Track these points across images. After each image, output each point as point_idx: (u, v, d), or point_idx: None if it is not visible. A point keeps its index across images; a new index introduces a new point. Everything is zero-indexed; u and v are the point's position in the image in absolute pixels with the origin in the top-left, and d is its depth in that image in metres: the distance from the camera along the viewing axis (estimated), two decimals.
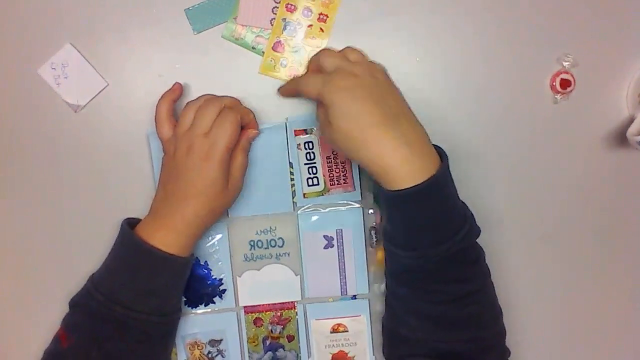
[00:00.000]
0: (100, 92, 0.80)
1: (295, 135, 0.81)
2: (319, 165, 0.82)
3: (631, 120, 0.79)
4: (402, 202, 0.67)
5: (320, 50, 0.74)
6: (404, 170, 0.65)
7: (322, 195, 0.82)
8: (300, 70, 0.80)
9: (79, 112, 0.80)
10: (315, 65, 0.73)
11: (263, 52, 0.80)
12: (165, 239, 0.73)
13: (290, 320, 0.85)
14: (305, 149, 0.81)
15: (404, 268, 0.72)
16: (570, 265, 0.85)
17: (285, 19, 0.79)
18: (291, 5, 0.79)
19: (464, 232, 0.68)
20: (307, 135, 0.81)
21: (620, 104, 0.82)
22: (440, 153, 0.70)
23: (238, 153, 0.76)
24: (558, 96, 0.82)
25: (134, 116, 0.81)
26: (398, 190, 0.65)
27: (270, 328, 0.85)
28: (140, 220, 0.76)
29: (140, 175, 0.81)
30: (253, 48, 0.80)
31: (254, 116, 0.79)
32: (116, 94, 0.81)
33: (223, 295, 0.84)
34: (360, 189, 0.83)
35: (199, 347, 0.84)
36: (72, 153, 0.81)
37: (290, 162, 0.82)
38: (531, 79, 0.82)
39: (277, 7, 0.79)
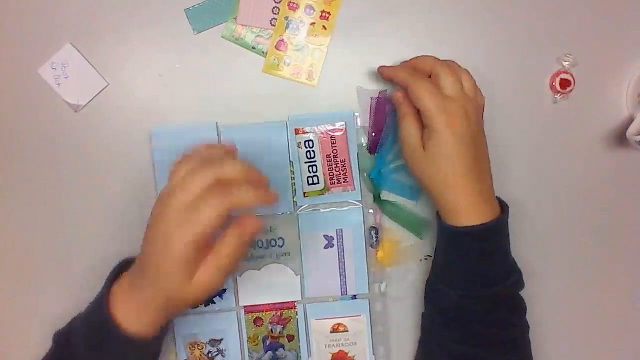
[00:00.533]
0: (100, 92, 0.80)
1: (296, 133, 0.81)
2: (319, 163, 0.82)
3: (631, 120, 0.79)
4: (467, 237, 0.71)
5: (441, 62, 0.73)
6: (471, 212, 0.70)
7: (323, 194, 0.82)
8: (304, 67, 0.80)
9: (79, 112, 0.80)
10: (428, 68, 0.73)
11: (263, 52, 0.80)
12: (129, 312, 0.65)
13: (290, 320, 0.85)
14: (306, 147, 0.81)
15: (451, 307, 0.74)
16: (570, 265, 0.85)
17: (287, 17, 0.79)
18: (293, 3, 0.79)
19: (514, 279, 0.73)
20: (308, 134, 0.81)
21: (620, 104, 0.83)
22: (503, 205, 0.75)
23: (224, 248, 0.61)
24: (558, 96, 0.82)
25: (134, 116, 0.80)
26: (465, 226, 0.70)
27: (270, 328, 0.85)
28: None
29: (141, 176, 0.81)
30: (253, 48, 0.80)
31: (272, 196, 0.62)
32: (116, 94, 0.80)
33: (223, 295, 0.84)
34: (361, 189, 0.83)
35: (199, 347, 0.84)
36: (72, 153, 0.81)
37: (291, 161, 0.82)
38: (531, 79, 0.82)
39: (277, 7, 0.79)
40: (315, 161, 0.82)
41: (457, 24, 0.81)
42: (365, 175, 0.82)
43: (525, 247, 0.84)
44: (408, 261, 0.84)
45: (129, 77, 0.80)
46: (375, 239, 0.83)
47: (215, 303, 0.84)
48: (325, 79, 0.81)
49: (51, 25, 0.79)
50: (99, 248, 0.81)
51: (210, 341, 0.84)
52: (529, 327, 0.76)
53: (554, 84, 0.81)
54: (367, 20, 0.80)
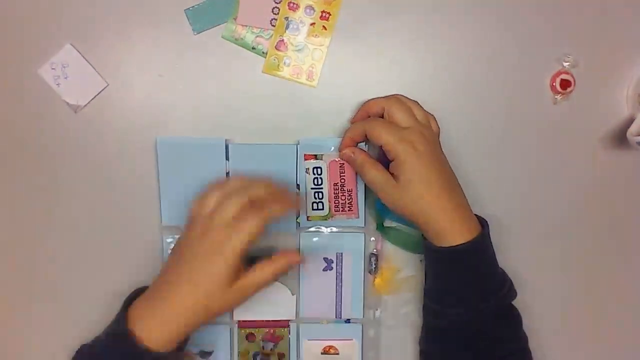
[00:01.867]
0: (100, 92, 0.80)
1: (305, 159, 0.80)
2: (325, 191, 0.81)
3: (631, 120, 0.79)
4: (457, 256, 0.72)
5: (390, 98, 0.76)
6: (456, 231, 0.72)
7: (326, 219, 0.82)
8: (304, 67, 0.80)
9: (79, 112, 0.80)
10: (378, 109, 0.76)
11: (263, 53, 0.80)
12: (150, 326, 0.68)
13: (282, 338, 0.85)
14: (314, 174, 0.81)
15: (450, 326, 0.75)
16: (570, 265, 0.85)
17: (287, 17, 0.79)
18: (293, 3, 0.79)
19: (506, 289, 0.74)
20: (317, 161, 0.81)
21: (620, 104, 0.83)
22: (480, 220, 0.76)
23: (266, 267, 0.71)
24: (558, 96, 0.82)
25: (134, 116, 0.80)
26: (453, 245, 0.72)
27: (262, 344, 0.84)
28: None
29: (141, 176, 0.81)
30: (253, 48, 0.80)
31: (297, 201, 0.79)
32: (116, 94, 0.80)
33: None
34: (365, 216, 0.83)
35: (189, 357, 0.83)
36: (72, 153, 0.80)
37: (297, 184, 0.81)
38: (531, 79, 0.82)
39: (277, 7, 0.79)
40: (321, 188, 0.81)
41: (457, 24, 0.81)
42: (372, 200, 0.82)
43: (525, 247, 0.84)
44: (405, 291, 0.84)
45: (128, 77, 0.80)
46: (374, 266, 0.84)
47: None
48: (325, 79, 0.81)
49: (51, 25, 0.79)
50: (99, 248, 0.81)
51: (200, 352, 0.84)
52: (527, 338, 0.77)
53: (554, 84, 0.81)
54: (367, 20, 0.80)
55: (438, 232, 0.72)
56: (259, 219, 0.68)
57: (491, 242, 0.76)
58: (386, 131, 0.73)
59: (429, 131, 0.75)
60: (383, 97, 0.77)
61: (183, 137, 0.80)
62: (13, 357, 0.83)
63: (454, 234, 0.72)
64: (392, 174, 0.73)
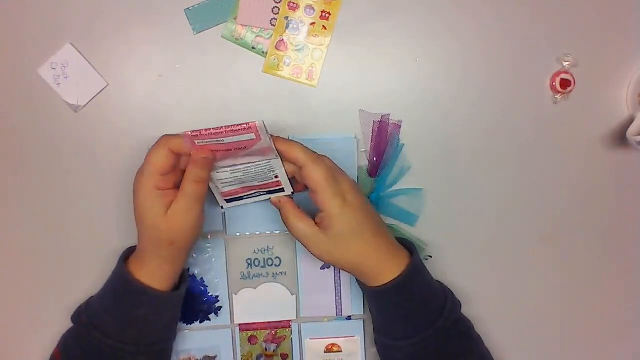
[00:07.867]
0: (100, 92, 0.80)
1: None
2: None
3: (631, 120, 0.79)
4: (394, 291, 0.72)
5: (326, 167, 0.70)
6: (386, 269, 0.72)
7: None
8: (304, 67, 0.80)
9: (79, 112, 0.80)
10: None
11: (263, 52, 0.80)
12: (148, 271, 0.72)
13: (284, 339, 0.85)
14: None
15: (406, 357, 0.74)
16: (570, 265, 0.85)
17: (287, 17, 0.79)
18: (293, 3, 0.79)
19: (449, 305, 0.74)
20: None
21: (620, 104, 0.83)
22: (407, 244, 0.76)
23: (184, 181, 0.70)
24: (558, 96, 0.82)
25: (134, 116, 0.80)
26: (388, 282, 0.71)
27: (264, 346, 0.85)
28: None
29: None
30: (253, 48, 0.80)
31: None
32: (116, 94, 0.80)
33: (219, 312, 0.84)
34: None
35: None
36: (72, 153, 0.80)
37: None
38: (531, 79, 0.82)
39: (277, 7, 0.79)
40: None
41: (456, 24, 0.81)
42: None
43: (525, 247, 0.84)
44: None
45: (128, 77, 0.80)
46: None
47: (210, 320, 0.84)
48: (325, 79, 0.81)
49: (51, 25, 0.79)
50: (99, 247, 0.81)
51: (204, 357, 0.84)
52: (481, 339, 0.77)
53: (554, 84, 0.81)
54: (367, 20, 0.80)
55: (369, 276, 0.73)
56: (156, 146, 0.70)
57: (423, 264, 0.76)
58: (325, 181, 0.69)
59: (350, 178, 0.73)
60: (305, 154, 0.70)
61: None
62: (18, 348, 0.84)
63: (387, 272, 0.72)
64: (316, 222, 0.72)
